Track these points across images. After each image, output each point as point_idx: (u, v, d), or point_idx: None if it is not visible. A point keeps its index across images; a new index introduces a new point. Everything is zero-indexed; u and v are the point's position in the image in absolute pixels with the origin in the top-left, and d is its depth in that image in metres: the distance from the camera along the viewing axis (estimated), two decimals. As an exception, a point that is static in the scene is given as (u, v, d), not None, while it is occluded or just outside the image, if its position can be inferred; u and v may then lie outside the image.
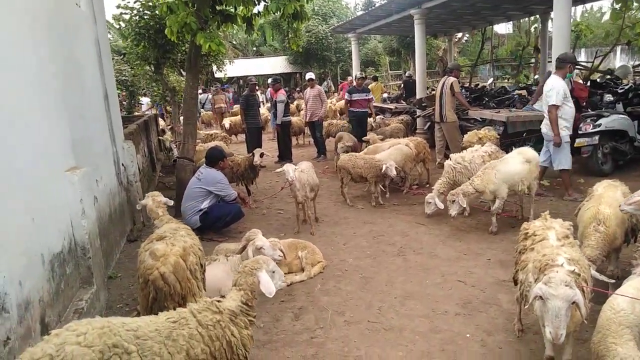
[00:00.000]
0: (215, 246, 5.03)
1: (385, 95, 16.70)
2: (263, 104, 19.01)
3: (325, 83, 27.28)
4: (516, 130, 8.06)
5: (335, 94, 25.00)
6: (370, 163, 6.90)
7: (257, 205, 7.40)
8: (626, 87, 8.16)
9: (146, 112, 15.05)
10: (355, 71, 16.13)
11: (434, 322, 3.71)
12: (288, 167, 5.71)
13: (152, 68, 11.30)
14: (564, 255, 2.69)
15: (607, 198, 3.64)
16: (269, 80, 12.32)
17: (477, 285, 4.28)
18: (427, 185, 7.87)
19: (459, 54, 29.00)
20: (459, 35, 21.76)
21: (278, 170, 5.81)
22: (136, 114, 14.14)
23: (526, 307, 2.50)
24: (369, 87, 17.39)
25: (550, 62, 7.79)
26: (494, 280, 4.35)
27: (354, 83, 11.59)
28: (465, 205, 5.48)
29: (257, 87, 9.84)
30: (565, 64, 6.29)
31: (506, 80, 20.08)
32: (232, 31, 27.28)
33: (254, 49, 35.78)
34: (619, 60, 21.74)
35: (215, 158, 6.11)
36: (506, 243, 5.21)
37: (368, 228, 6.07)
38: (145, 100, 17.10)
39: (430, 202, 5.97)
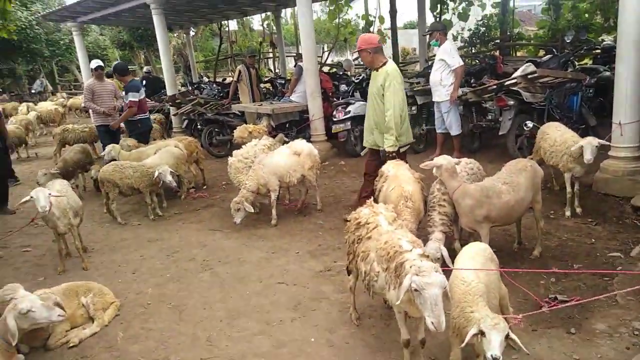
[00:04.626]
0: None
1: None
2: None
3: (39, 82, 22.81)
4: (280, 122, 8.34)
5: (58, 94, 21.33)
6: (141, 171, 5.95)
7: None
8: (360, 78, 9.45)
9: None
10: (84, 66, 13.77)
11: (274, 336, 3.39)
12: (38, 194, 4.27)
13: None
14: (405, 239, 2.75)
15: (403, 176, 4.01)
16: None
17: (298, 282, 4.15)
18: (205, 187, 7.38)
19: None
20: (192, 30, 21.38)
21: (25, 199, 4.30)
22: None
23: (398, 302, 2.44)
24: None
25: (291, 55, 8.29)
26: (311, 273, 4.31)
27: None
28: (252, 210, 5.39)
29: None
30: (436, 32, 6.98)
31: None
32: None
33: None
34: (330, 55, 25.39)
35: None
36: (306, 233, 5.28)
37: (156, 246, 5.22)
38: None
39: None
